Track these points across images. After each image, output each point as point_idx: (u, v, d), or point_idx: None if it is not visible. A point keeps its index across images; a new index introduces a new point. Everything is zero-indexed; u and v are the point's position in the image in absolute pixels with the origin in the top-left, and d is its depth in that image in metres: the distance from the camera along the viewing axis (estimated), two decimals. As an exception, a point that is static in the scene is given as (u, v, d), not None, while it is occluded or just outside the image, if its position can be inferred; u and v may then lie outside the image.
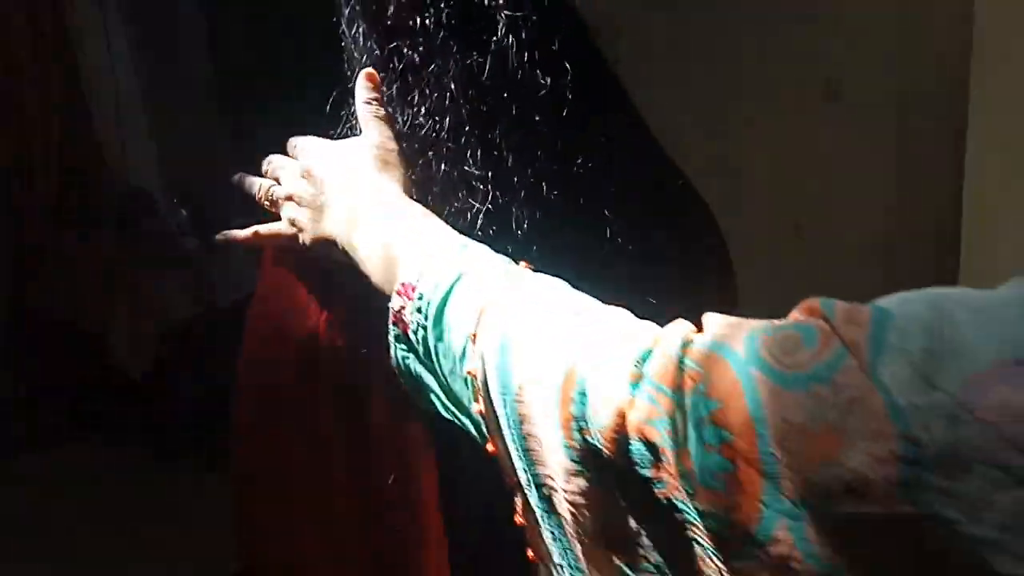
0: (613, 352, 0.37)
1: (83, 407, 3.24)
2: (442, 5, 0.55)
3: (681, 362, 0.34)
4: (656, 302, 0.58)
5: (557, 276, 0.49)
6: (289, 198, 0.58)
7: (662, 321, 0.40)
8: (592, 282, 0.55)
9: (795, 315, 0.35)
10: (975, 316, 0.30)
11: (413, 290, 0.46)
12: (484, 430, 0.44)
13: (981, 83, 1.11)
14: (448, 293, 0.45)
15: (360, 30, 0.60)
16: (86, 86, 3.47)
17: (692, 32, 1.53)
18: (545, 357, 0.39)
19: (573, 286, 0.48)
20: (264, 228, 0.61)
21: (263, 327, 0.60)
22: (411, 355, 0.47)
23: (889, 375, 0.29)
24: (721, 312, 0.60)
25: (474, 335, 0.42)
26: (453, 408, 0.47)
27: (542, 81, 0.55)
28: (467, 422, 0.46)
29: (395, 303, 0.47)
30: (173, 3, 3.13)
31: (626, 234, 0.57)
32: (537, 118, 0.55)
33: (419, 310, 0.45)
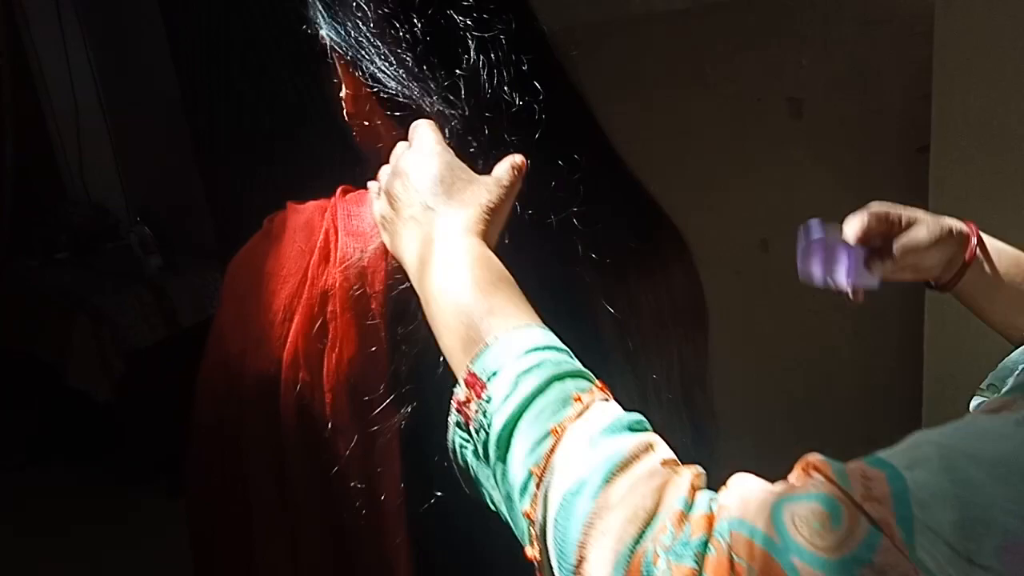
0: (668, 538, 0.36)
1: (45, 431, 3.17)
2: (408, 27, 0.55)
3: (731, 559, 0.33)
4: (625, 320, 0.58)
5: (527, 293, 0.48)
6: (386, 191, 0.54)
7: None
8: (562, 302, 0.55)
9: (806, 477, 0.36)
10: (991, 474, 0.31)
11: (483, 389, 0.43)
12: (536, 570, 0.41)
13: (943, 100, 1.13)
14: (518, 416, 0.41)
15: (336, 54, 0.59)
16: (45, 104, 3.40)
17: (656, 52, 1.55)
18: (603, 538, 0.36)
19: (545, 309, 0.47)
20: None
21: (220, 364, 0.58)
22: (469, 447, 0.44)
23: (929, 556, 0.30)
24: (697, 338, 0.59)
25: (539, 478, 0.39)
26: (507, 519, 0.44)
27: (512, 102, 0.55)
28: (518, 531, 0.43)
29: (460, 393, 0.44)
30: (135, 20, 3.08)
31: (596, 254, 0.57)
32: (508, 138, 0.54)
33: (484, 414, 0.42)
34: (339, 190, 0.62)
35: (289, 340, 0.54)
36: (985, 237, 0.70)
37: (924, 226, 0.68)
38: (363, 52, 0.57)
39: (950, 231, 0.68)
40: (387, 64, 0.56)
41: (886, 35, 1.26)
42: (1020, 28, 1.05)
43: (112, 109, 3.53)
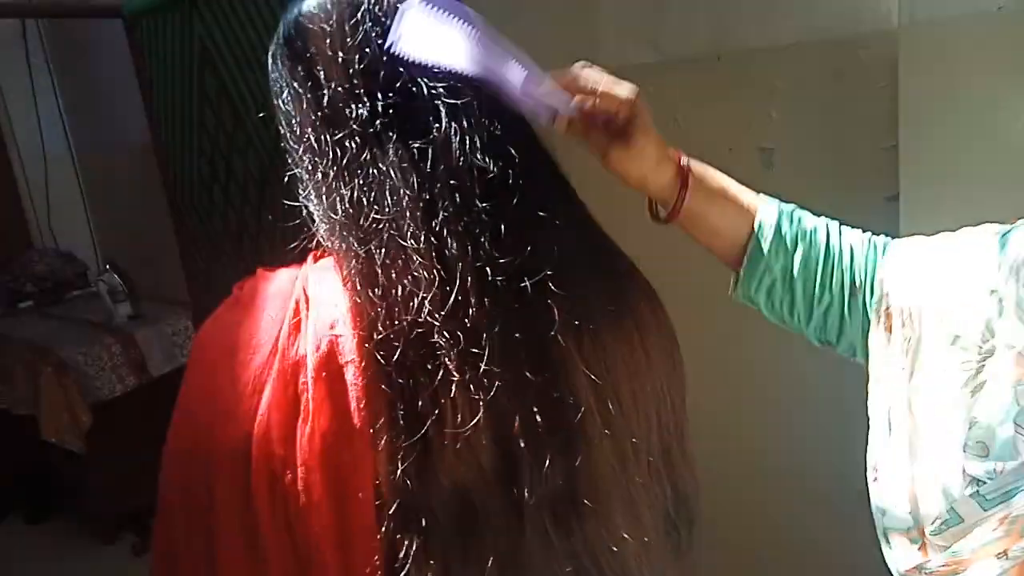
0: None
1: (12, 485, 3.07)
2: (379, 95, 0.55)
3: None
4: (603, 383, 0.57)
5: (505, 361, 0.46)
6: None
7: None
8: (539, 368, 0.54)
9: None
10: None
11: None
12: None
13: (909, 151, 1.16)
14: None
15: (296, 120, 0.59)
16: (12, 152, 3.37)
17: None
18: None
19: (522, 374, 0.48)
20: None
21: (187, 438, 0.56)
22: None
23: None
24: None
25: None
26: None
27: (484, 167, 0.54)
28: None
29: None
30: (106, 67, 3.07)
31: (571, 317, 0.56)
32: (479, 203, 0.54)
33: None
34: (310, 256, 0.61)
35: (260, 413, 0.52)
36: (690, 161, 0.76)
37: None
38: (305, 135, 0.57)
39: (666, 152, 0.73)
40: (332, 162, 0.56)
41: (853, 87, 1.28)
42: (982, 81, 1.07)
43: (82, 157, 3.50)
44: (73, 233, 3.48)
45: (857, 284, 0.74)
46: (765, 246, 0.74)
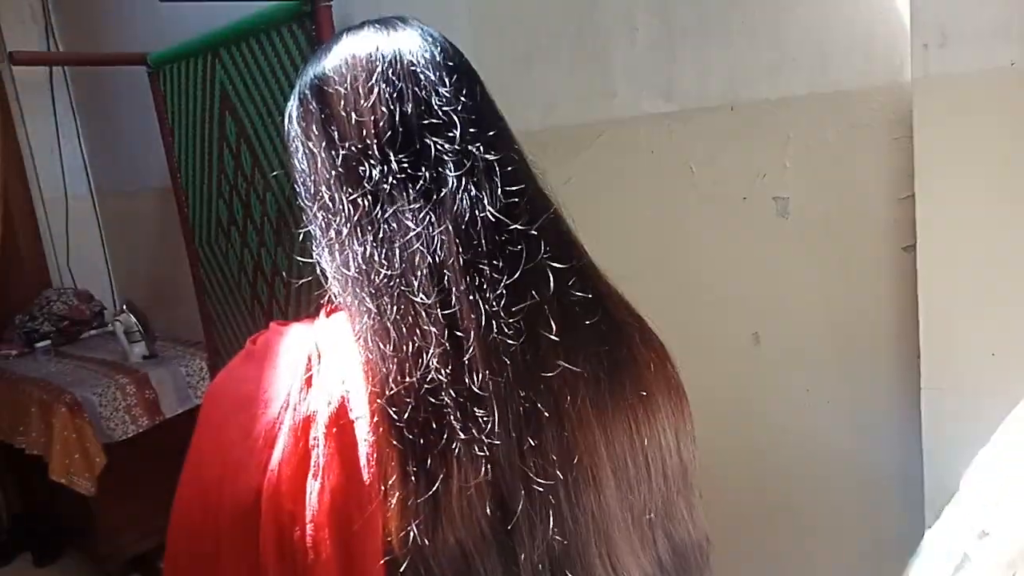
0: None
1: (26, 525, 3.06)
2: (392, 155, 0.56)
3: None
4: (604, 442, 0.57)
5: (505, 422, 0.45)
6: None
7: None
8: (539, 426, 0.54)
9: None
10: None
11: None
12: None
13: (926, 202, 1.15)
14: None
15: (311, 178, 0.60)
16: (35, 193, 3.43)
17: (643, 152, 1.58)
18: None
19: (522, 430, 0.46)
20: None
21: (196, 491, 0.56)
22: None
23: None
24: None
25: None
26: None
27: (491, 226, 0.55)
28: None
29: None
30: (128, 111, 3.14)
31: (573, 372, 0.56)
32: (486, 261, 0.55)
33: None
34: (323, 311, 0.61)
35: (270, 468, 0.52)
36: None
37: None
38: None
39: None
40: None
41: (867, 138, 1.29)
42: (997, 133, 1.08)
43: (102, 199, 3.56)
44: (91, 273, 3.53)
45: None
46: None
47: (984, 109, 1.07)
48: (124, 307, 2.96)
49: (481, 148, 0.58)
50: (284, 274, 2.17)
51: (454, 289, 0.53)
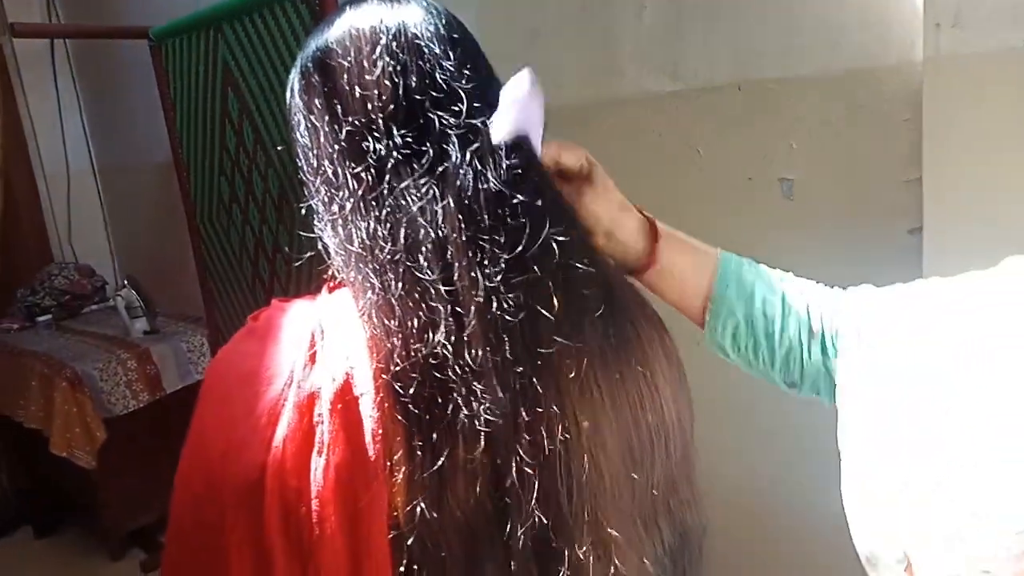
0: None
1: (23, 498, 3.08)
2: (396, 129, 0.55)
3: None
4: (604, 417, 0.56)
5: (512, 385, 0.48)
6: None
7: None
8: (537, 400, 0.53)
9: None
10: None
11: None
12: None
13: (934, 185, 1.14)
14: None
15: (313, 152, 0.59)
16: (36, 168, 3.42)
17: (648, 132, 1.57)
18: None
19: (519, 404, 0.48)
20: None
21: (200, 466, 0.55)
22: None
23: None
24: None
25: None
26: None
27: (493, 202, 0.55)
28: None
29: None
30: (130, 86, 3.12)
31: (575, 346, 0.56)
32: (488, 237, 0.54)
33: None
34: (326, 287, 0.61)
35: (274, 445, 0.52)
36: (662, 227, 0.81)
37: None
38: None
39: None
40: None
41: (875, 119, 1.28)
42: (1006, 115, 1.06)
43: (104, 174, 3.55)
44: (93, 249, 3.52)
45: (815, 329, 0.77)
46: (729, 290, 0.78)
47: (995, 90, 1.06)
48: (125, 282, 2.96)
49: (483, 124, 0.57)
50: (287, 249, 2.16)
51: (456, 264, 0.53)
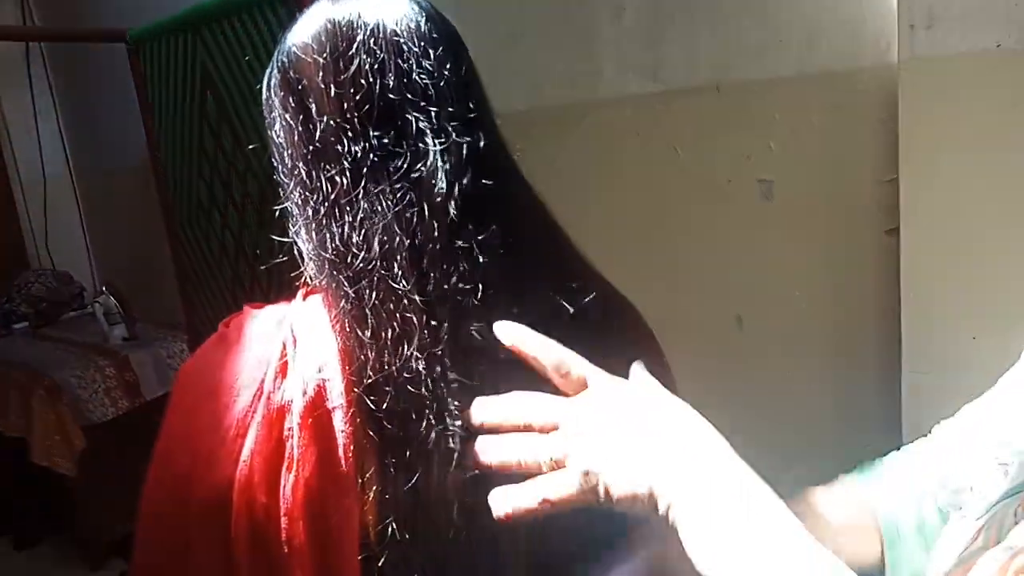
0: None
1: (6, 510, 3.03)
2: (371, 130, 0.53)
3: None
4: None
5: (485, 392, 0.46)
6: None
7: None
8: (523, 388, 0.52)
9: None
10: None
11: None
12: None
13: (910, 185, 1.15)
14: None
15: (288, 152, 0.57)
16: (12, 173, 3.37)
17: (628, 134, 1.57)
18: None
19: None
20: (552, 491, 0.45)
21: (166, 481, 0.54)
22: None
23: None
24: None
25: None
26: None
27: (469, 209, 0.53)
28: None
29: None
30: (106, 90, 3.08)
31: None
32: (463, 245, 0.53)
33: None
34: (300, 293, 0.59)
35: (242, 459, 0.51)
36: None
37: None
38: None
39: None
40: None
41: (852, 120, 1.28)
42: (981, 116, 1.07)
43: (81, 179, 3.50)
44: (70, 255, 3.47)
45: None
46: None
47: (969, 91, 1.07)
48: (104, 288, 2.92)
49: (461, 127, 0.55)
50: (265, 253, 2.14)
51: (432, 275, 0.52)
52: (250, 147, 2.09)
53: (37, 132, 3.35)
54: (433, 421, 0.50)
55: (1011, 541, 0.48)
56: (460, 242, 0.52)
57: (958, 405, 1.17)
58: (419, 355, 0.51)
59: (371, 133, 0.54)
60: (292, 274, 0.59)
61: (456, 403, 0.50)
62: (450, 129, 0.54)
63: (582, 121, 1.63)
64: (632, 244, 1.62)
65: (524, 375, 0.53)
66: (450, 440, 0.50)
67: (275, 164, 0.60)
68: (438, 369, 0.51)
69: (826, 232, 1.36)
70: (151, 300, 3.14)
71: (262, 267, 2.16)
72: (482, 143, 0.55)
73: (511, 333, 0.49)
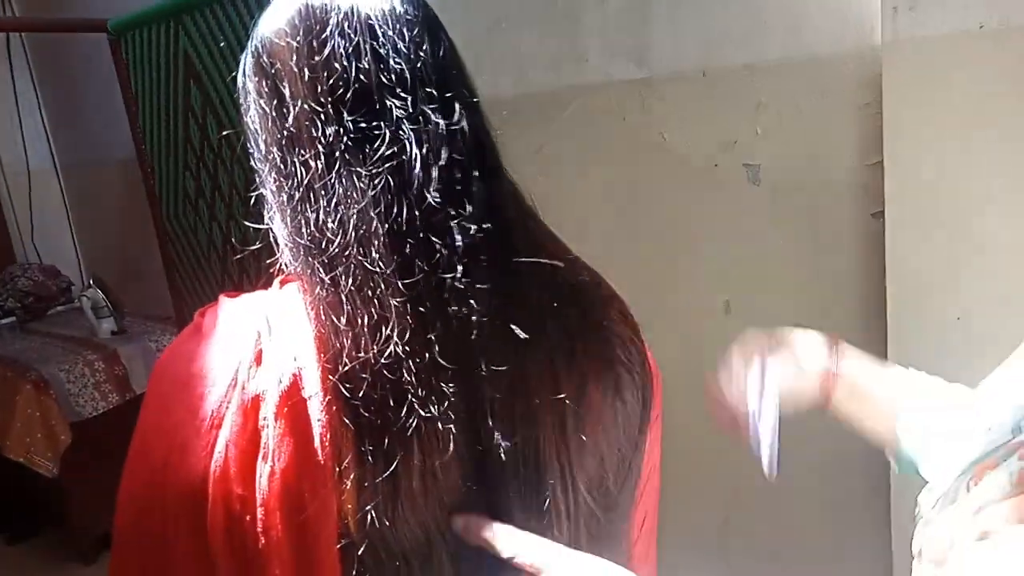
0: None
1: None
2: (346, 114, 0.53)
3: None
4: (563, 423, 0.55)
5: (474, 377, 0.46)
6: None
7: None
8: (504, 375, 0.52)
9: None
10: None
11: None
12: None
13: (894, 168, 1.15)
14: None
15: (262, 138, 0.56)
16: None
17: (615, 119, 1.56)
18: None
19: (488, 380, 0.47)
20: None
21: (142, 473, 0.53)
22: None
23: None
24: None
25: None
26: None
27: (444, 194, 0.52)
28: None
29: None
30: (91, 82, 3.05)
31: (534, 328, 0.54)
32: (441, 231, 0.52)
33: None
34: (277, 281, 0.58)
35: (217, 450, 0.50)
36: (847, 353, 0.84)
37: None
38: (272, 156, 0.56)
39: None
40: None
41: (838, 104, 1.28)
42: (965, 97, 1.07)
43: (66, 171, 3.48)
44: (57, 248, 3.45)
45: None
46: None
47: (952, 73, 1.07)
48: (91, 282, 2.90)
49: (438, 110, 0.54)
50: (247, 243, 2.13)
51: (410, 259, 0.51)
52: (223, 133, 2.07)
53: (20, 125, 3.32)
54: (416, 408, 0.50)
55: None
56: (437, 225, 0.52)
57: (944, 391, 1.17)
58: (398, 340, 0.50)
59: (346, 117, 0.53)
60: (268, 261, 0.58)
61: (440, 387, 0.50)
62: (427, 112, 0.53)
63: (568, 107, 1.62)
64: (619, 230, 1.61)
65: (508, 357, 0.52)
66: (431, 427, 0.50)
67: (250, 151, 0.60)
68: (417, 354, 0.50)
69: (812, 215, 1.36)
70: (139, 293, 3.12)
71: (236, 257, 2.15)
72: (461, 126, 0.54)
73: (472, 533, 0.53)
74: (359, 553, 0.50)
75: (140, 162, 2.55)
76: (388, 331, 0.50)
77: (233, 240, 2.27)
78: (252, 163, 0.60)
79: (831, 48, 1.27)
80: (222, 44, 2.08)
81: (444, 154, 0.53)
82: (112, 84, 2.54)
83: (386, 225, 0.51)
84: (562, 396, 0.55)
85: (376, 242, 0.51)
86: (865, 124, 1.25)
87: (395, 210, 0.51)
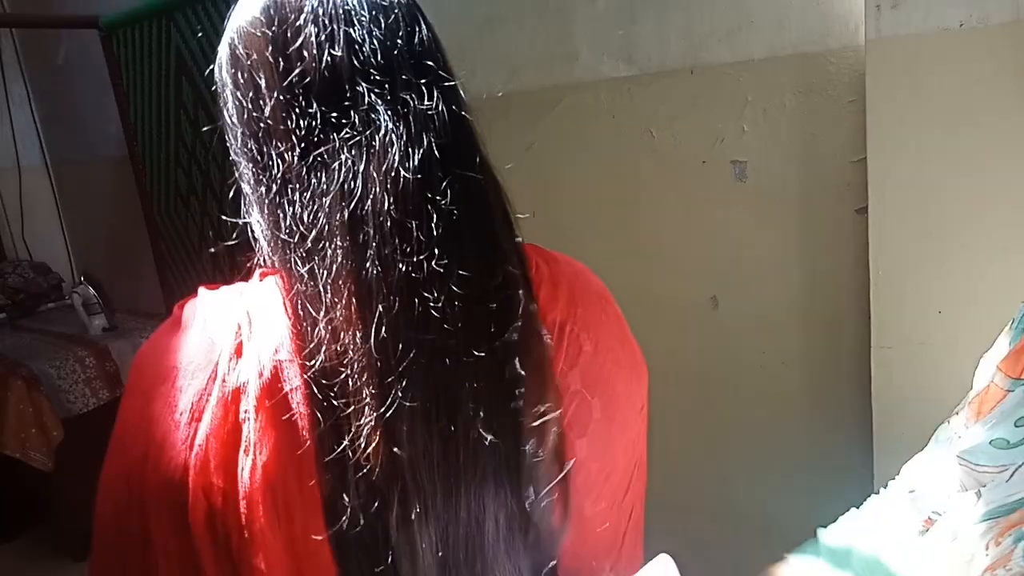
0: None
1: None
2: (322, 104, 0.52)
3: None
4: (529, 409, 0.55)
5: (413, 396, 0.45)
6: None
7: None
8: (480, 383, 0.52)
9: None
10: None
11: None
12: None
13: (877, 164, 1.16)
14: None
15: (239, 131, 0.56)
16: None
17: (603, 116, 1.57)
18: None
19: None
20: None
21: (121, 467, 0.53)
22: None
23: None
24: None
25: None
26: None
27: (421, 184, 0.52)
28: None
29: None
30: (81, 79, 3.04)
31: (499, 329, 0.53)
32: (413, 222, 0.51)
33: None
34: (258, 273, 0.58)
35: (197, 443, 0.50)
36: None
37: None
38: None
39: None
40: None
41: (822, 101, 1.29)
42: (947, 94, 1.08)
43: (57, 168, 3.47)
44: (48, 245, 3.44)
45: None
46: None
47: (934, 71, 1.08)
48: (82, 279, 2.90)
49: (415, 98, 0.53)
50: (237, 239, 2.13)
51: (388, 248, 0.50)
52: (213, 127, 2.07)
53: (11, 121, 3.31)
54: (398, 397, 0.49)
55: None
56: (415, 214, 0.51)
57: (925, 377, 1.19)
58: (376, 331, 0.49)
59: (321, 107, 0.52)
60: (247, 253, 0.58)
61: (419, 376, 0.50)
62: (404, 99, 0.53)
63: (558, 104, 1.62)
64: (607, 226, 1.62)
65: (484, 343, 0.52)
66: (414, 414, 0.49)
67: (228, 143, 0.59)
68: (396, 343, 0.49)
69: (798, 211, 1.37)
70: (131, 289, 3.12)
71: (210, 250, 2.14)
72: (438, 113, 0.54)
73: None
74: (347, 541, 0.50)
75: (131, 158, 2.55)
76: (367, 321, 0.50)
77: (224, 235, 2.27)
78: (231, 156, 0.59)
79: (816, 46, 1.28)
80: (214, 40, 2.08)
81: (421, 141, 0.52)
82: (103, 80, 2.53)
83: (362, 214, 0.50)
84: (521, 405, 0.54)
85: (354, 232, 0.50)
86: (850, 120, 1.26)
87: (372, 199, 0.50)
